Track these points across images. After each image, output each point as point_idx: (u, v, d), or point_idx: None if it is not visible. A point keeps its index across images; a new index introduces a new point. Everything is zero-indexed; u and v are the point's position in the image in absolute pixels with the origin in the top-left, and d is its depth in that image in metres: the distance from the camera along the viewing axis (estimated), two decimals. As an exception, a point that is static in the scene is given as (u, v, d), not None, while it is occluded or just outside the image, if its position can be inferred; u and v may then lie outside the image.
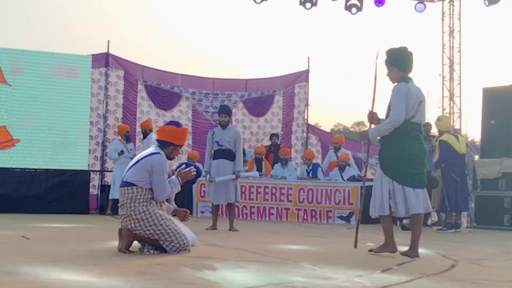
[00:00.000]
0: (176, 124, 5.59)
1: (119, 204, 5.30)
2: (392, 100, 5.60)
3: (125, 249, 5.18)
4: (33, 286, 3.35)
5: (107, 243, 5.81)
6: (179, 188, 5.52)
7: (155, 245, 5.22)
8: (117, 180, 12.06)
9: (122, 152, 12.16)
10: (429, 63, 16.69)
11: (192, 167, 5.77)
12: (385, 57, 5.78)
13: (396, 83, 5.69)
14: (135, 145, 13.17)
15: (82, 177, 12.58)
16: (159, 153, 5.35)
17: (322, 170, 12.86)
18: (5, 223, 8.87)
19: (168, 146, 5.41)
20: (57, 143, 12.97)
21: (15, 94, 12.73)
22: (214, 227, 8.74)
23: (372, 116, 5.84)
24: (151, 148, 5.45)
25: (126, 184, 5.24)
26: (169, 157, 5.46)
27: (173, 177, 5.53)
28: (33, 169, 12.58)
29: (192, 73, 16.51)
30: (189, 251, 5.24)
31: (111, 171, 13.05)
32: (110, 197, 12.24)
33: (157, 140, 5.46)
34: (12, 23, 78.56)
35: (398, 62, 5.75)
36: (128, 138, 12.66)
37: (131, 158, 12.25)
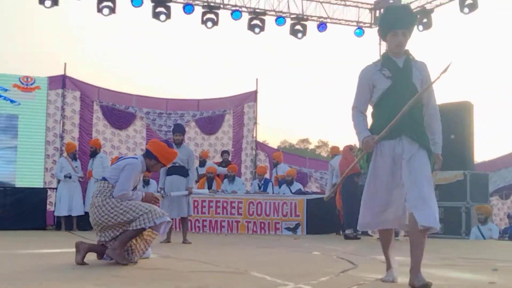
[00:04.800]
0: (168, 144, 5.70)
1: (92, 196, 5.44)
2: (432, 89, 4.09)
3: (81, 260, 5.10)
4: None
5: (64, 257, 5.68)
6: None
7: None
8: (62, 198, 11.85)
9: (69, 176, 11.95)
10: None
11: (158, 198, 5.77)
12: (402, 14, 4.10)
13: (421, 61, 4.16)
14: (84, 164, 12.89)
15: (39, 194, 12.30)
16: (136, 158, 5.51)
17: (272, 185, 13.00)
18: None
19: (151, 158, 5.50)
20: (14, 161, 12.71)
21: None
22: (168, 240, 8.66)
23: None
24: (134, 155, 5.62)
25: (102, 179, 5.43)
26: (149, 169, 5.61)
27: (139, 192, 5.49)
28: (-10, 187, 12.27)
29: (146, 94, 16.41)
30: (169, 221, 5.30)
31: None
32: (56, 214, 12.07)
33: (146, 149, 5.61)
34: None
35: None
36: (75, 156, 12.44)
37: (80, 177, 12.17)
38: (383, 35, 4.16)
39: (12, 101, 12.84)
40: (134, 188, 5.47)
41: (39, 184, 12.90)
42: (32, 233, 10.55)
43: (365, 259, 6.31)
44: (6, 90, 12.82)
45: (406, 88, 3.96)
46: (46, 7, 13.64)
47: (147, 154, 5.52)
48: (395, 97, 3.96)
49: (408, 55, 4.06)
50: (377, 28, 4.04)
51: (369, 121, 4.18)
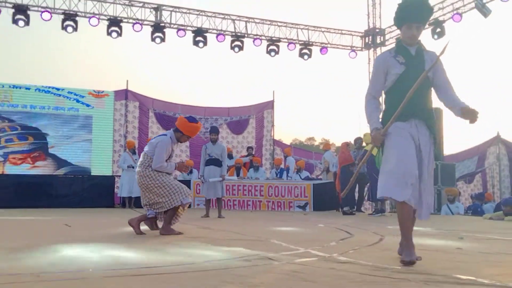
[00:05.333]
0: (189, 119, 5.55)
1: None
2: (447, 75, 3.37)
3: (139, 231, 5.17)
4: (77, 261, 3.31)
5: (129, 229, 5.74)
6: (172, 171, 5.43)
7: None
8: (124, 183, 11.97)
9: (132, 166, 12.05)
10: (360, 99, 17.12)
11: (187, 166, 5.83)
12: (417, 7, 3.30)
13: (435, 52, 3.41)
14: (139, 156, 13.07)
15: (108, 180, 12.45)
16: (165, 135, 5.48)
17: (286, 173, 13.03)
18: (51, 214, 8.73)
19: (178, 132, 5.47)
20: (89, 151, 12.92)
21: (61, 121, 12.69)
22: (207, 215, 8.71)
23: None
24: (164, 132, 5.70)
25: (143, 152, 5.45)
26: (179, 140, 5.50)
27: (173, 163, 5.47)
28: (72, 175, 12.44)
29: (189, 103, 16.54)
30: (189, 200, 5.36)
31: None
32: (119, 195, 12.21)
33: (175, 125, 5.54)
34: (57, 66, 77.57)
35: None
36: (134, 151, 12.55)
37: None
38: (398, 25, 3.43)
39: (87, 105, 13.02)
40: (170, 158, 5.43)
41: (109, 173, 13.08)
42: (103, 210, 10.67)
43: (359, 230, 6.27)
44: (83, 96, 13.05)
45: (418, 74, 3.24)
46: (68, 32, 13.27)
47: (176, 129, 5.49)
48: (408, 83, 3.24)
49: (420, 45, 3.40)
50: (393, 17, 3.41)
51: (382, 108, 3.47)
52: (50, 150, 12.69)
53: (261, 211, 11.59)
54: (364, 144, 10.93)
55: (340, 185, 10.45)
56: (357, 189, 11.22)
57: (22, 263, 3.15)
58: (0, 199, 10.83)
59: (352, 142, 11.32)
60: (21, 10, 12.78)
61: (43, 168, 12.49)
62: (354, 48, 16.91)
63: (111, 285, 2.50)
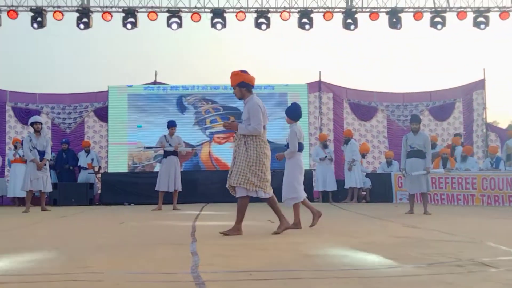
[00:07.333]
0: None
1: None
2: None
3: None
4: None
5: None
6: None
7: None
8: (318, 176, 12.63)
9: (324, 158, 12.55)
10: None
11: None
12: None
13: None
14: (337, 149, 13.46)
15: (306, 174, 12.86)
16: None
17: (504, 163, 11.92)
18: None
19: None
20: (286, 132, 13.55)
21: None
22: (411, 211, 8.53)
23: None
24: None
25: None
26: (239, 97, 5.70)
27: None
28: (272, 169, 13.29)
29: (385, 90, 16.21)
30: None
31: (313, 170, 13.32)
32: (315, 189, 12.81)
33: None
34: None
35: None
36: (326, 145, 12.96)
37: (329, 159, 12.63)
38: None
39: (283, 85, 13.75)
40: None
41: (306, 166, 13.55)
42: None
43: None
44: (273, 87, 13.83)
45: None
46: (262, 29, 14.10)
47: None
48: None
49: None
50: None
51: None
52: (251, 129, 13.75)
53: (474, 206, 10.83)
54: None
55: None
56: None
57: (235, 260, 3.57)
58: (206, 194, 12.29)
59: None
60: (218, 13, 14.13)
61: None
62: None
63: (320, 286, 2.68)
